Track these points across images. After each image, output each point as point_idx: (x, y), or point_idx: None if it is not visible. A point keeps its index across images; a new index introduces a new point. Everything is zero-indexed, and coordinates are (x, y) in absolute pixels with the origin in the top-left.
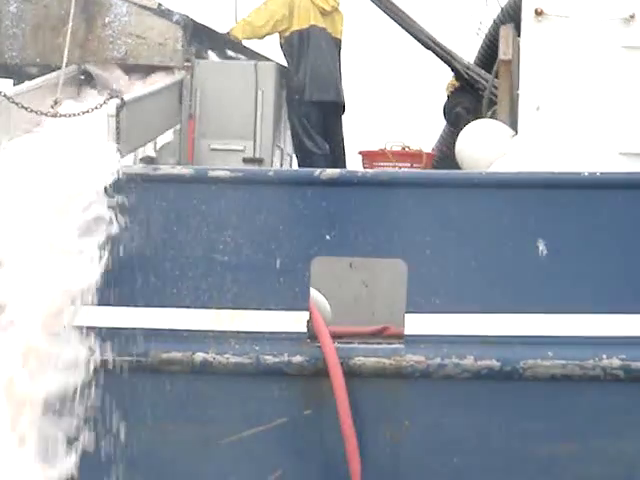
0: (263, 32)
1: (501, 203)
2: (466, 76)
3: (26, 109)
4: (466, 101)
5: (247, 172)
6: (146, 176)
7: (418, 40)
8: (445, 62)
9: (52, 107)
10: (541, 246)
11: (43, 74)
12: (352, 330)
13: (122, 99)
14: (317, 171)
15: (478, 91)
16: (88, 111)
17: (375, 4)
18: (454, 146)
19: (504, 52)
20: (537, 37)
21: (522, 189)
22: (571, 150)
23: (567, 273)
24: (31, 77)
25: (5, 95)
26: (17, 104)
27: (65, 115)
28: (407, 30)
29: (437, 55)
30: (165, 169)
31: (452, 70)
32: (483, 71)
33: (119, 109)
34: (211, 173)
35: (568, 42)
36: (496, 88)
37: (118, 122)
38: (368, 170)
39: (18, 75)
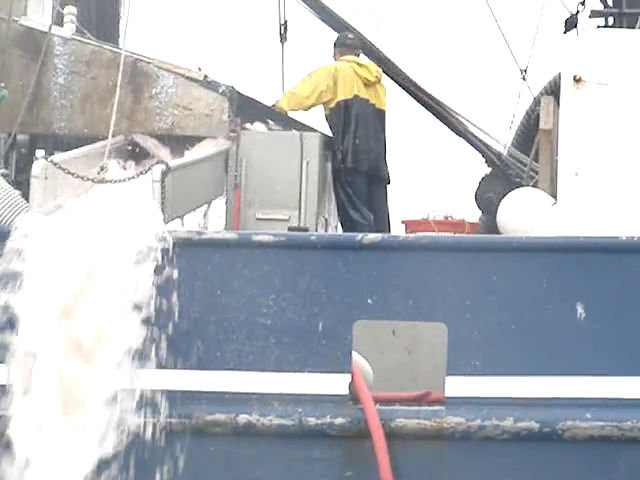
0: (308, 103)
1: (540, 267)
2: (498, 162)
3: (72, 174)
4: (498, 187)
5: (290, 236)
6: (191, 240)
7: (451, 128)
8: (477, 150)
9: (99, 173)
10: (580, 309)
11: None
12: (394, 396)
13: (167, 165)
14: (359, 235)
15: (510, 177)
16: (134, 177)
17: (408, 93)
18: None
19: (545, 121)
20: (576, 104)
21: (561, 253)
22: (609, 215)
23: (605, 336)
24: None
25: (52, 161)
26: (64, 170)
27: (111, 181)
28: (440, 118)
29: (469, 143)
30: (210, 234)
31: (484, 157)
32: (516, 155)
33: (164, 175)
34: (255, 237)
35: (606, 109)
36: (537, 160)
37: (163, 187)
38: (409, 235)
39: (66, 146)
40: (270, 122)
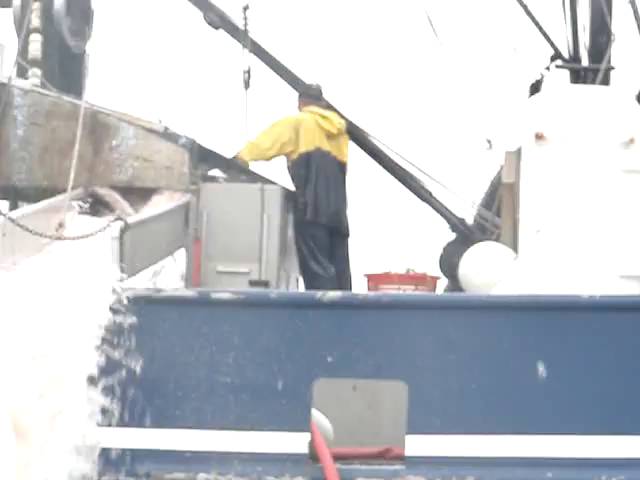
0: (270, 154)
1: (501, 325)
2: (462, 228)
3: (30, 231)
4: (462, 252)
5: (249, 294)
6: (149, 298)
7: (415, 193)
8: (441, 215)
9: (57, 230)
10: (541, 368)
11: (50, 197)
12: (355, 452)
13: (126, 222)
14: (319, 293)
15: (474, 242)
16: (92, 234)
17: (372, 158)
18: None
19: (507, 175)
20: (537, 160)
21: (522, 311)
22: (571, 272)
23: (567, 394)
24: (38, 200)
25: (9, 217)
26: (21, 227)
27: (69, 238)
28: (404, 183)
29: (433, 208)
30: (168, 291)
31: (447, 222)
32: (482, 217)
33: (122, 232)
34: (214, 295)
35: (568, 165)
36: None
37: (122, 244)
38: (369, 293)
39: (25, 198)
40: (231, 174)
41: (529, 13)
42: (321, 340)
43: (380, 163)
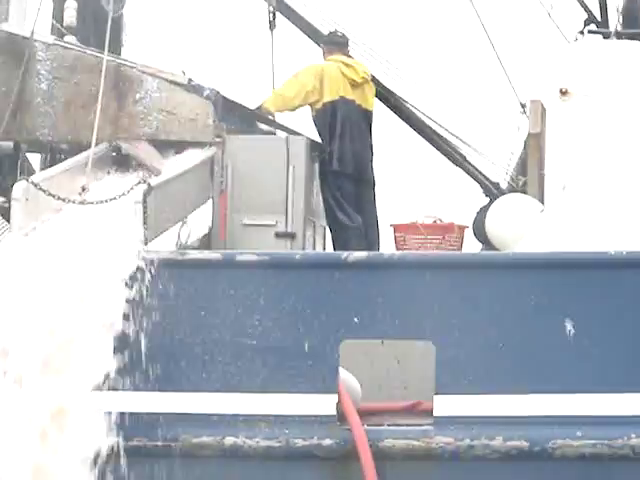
0: (294, 104)
1: (528, 283)
2: (496, 192)
3: (53, 196)
4: None
5: (274, 256)
6: (174, 261)
7: (449, 157)
8: (475, 180)
9: (80, 194)
10: (569, 325)
11: (74, 151)
12: (384, 406)
13: (149, 184)
14: (344, 254)
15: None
16: (115, 198)
17: (402, 120)
18: None
19: (533, 126)
20: (562, 117)
21: (548, 269)
22: (598, 229)
23: (595, 352)
24: (62, 153)
25: (33, 182)
26: (45, 191)
27: (92, 202)
28: (437, 147)
29: (467, 173)
30: (193, 254)
31: (481, 187)
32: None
33: (146, 195)
34: (239, 257)
35: (593, 121)
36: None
37: (145, 208)
38: (394, 253)
39: (49, 151)
40: (256, 125)
41: None
42: (347, 301)
43: (410, 125)
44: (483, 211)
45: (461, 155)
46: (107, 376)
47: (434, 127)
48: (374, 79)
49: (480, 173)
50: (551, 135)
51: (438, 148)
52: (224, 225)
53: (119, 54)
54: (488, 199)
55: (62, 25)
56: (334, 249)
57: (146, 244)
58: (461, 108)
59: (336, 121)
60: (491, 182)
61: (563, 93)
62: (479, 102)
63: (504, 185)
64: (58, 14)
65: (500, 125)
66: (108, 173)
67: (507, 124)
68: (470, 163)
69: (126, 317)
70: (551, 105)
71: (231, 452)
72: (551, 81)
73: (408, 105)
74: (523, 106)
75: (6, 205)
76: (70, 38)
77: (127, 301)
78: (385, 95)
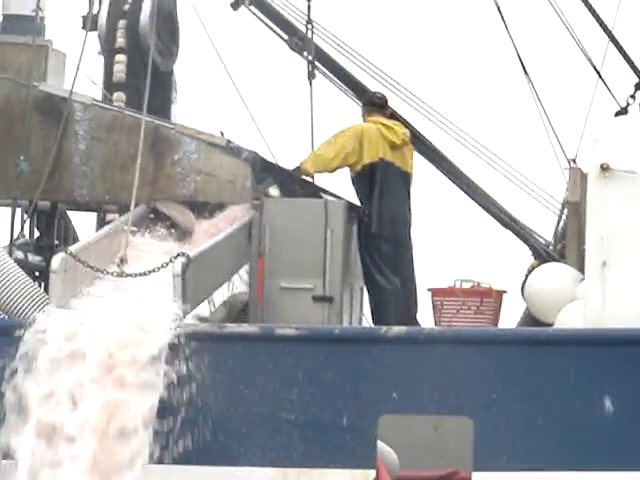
0: (333, 165)
1: (567, 359)
2: (544, 255)
3: (92, 268)
4: None
5: (313, 330)
6: (213, 334)
7: (496, 218)
8: (524, 241)
9: (118, 265)
10: (608, 403)
11: (112, 211)
12: (420, 475)
13: (188, 257)
14: (383, 329)
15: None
16: (154, 270)
17: (452, 181)
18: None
19: (572, 194)
20: (603, 192)
21: (588, 346)
22: (638, 306)
23: (634, 430)
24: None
25: (72, 254)
26: (83, 263)
27: (131, 275)
28: (485, 208)
29: (516, 234)
30: (231, 327)
31: (530, 249)
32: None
33: (185, 268)
34: (278, 331)
35: (634, 197)
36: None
37: (184, 280)
38: (434, 328)
39: (89, 211)
40: (294, 188)
41: (612, 37)
42: (386, 375)
43: (461, 187)
44: (532, 272)
45: (509, 216)
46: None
47: (481, 188)
48: (423, 139)
49: (529, 234)
50: (592, 210)
51: (487, 210)
52: (261, 288)
53: (169, 111)
54: (537, 261)
55: (112, 80)
56: (371, 311)
57: (185, 316)
58: (509, 164)
59: (375, 183)
60: (542, 244)
61: (604, 169)
62: (526, 158)
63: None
64: (108, 67)
65: (548, 182)
66: (145, 235)
67: (555, 181)
68: (520, 224)
69: (165, 391)
70: (592, 180)
71: None
72: (593, 155)
73: (455, 165)
74: (571, 162)
75: (42, 264)
76: (119, 95)
77: (166, 374)
78: (435, 157)
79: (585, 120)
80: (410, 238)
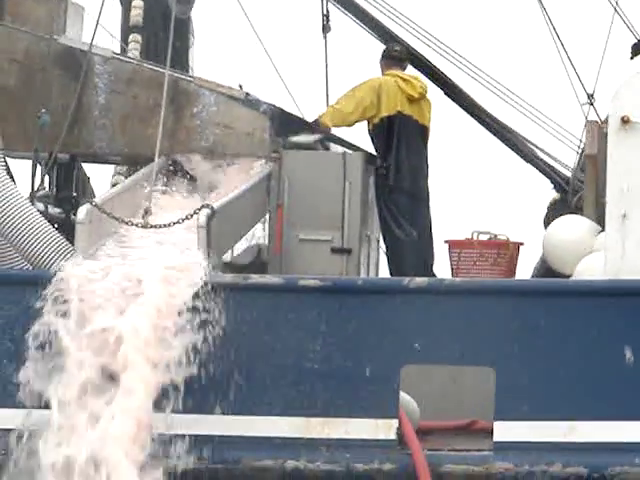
0: (352, 119)
1: (588, 311)
2: (566, 188)
3: (117, 219)
4: (567, 213)
5: (336, 281)
6: (237, 285)
7: (518, 153)
8: (545, 175)
9: (143, 216)
10: (628, 353)
11: (131, 163)
12: (440, 425)
13: (212, 209)
14: (405, 280)
15: (576, 203)
16: (178, 222)
17: (471, 116)
18: None
19: (589, 147)
20: (624, 145)
21: (609, 297)
22: None
23: None
24: (124, 163)
25: (96, 205)
26: (108, 214)
27: (155, 226)
28: (506, 143)
29: (537, 168)
30: (255, 278)
31: (552, 183)
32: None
33: (209, 219)
34: (301, 282)
35: None
36: (581, 182)
37: (209, 232)
38: (455, 279)
39: (106, 164)
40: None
41: None
42: (408, 326)
43: (477, 119)
44: (553, 205)
45: (530, 150)
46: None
47: (501, 120)
48: (442, 74)
49: (550, 168)
50: (612, 162)
51: (506, 143)
52: (280, 240)
53: (186, 56)
54: (558, 195)
55: (129, 25)
56: (388, 263)
57: (208, 267)
58: (526, 99)
59: (393, 136)
60: (562, 177)
61: (625, 121)
62: (545, 94)
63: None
64: (125, 13)
65: (568, 118)
66: (165, 187)
67: (573, 115)
68: (540, 159)
69: (187, 339)
70: (613, 132)
71: (292, 476)
72: (613, 108)
73: (473, 99)
74: (590, 96)
75: (62, 216)
76: (135, 36)
77: (190, 324)
78: (452, 90)
79: (603, 53)
80: (428, 190)
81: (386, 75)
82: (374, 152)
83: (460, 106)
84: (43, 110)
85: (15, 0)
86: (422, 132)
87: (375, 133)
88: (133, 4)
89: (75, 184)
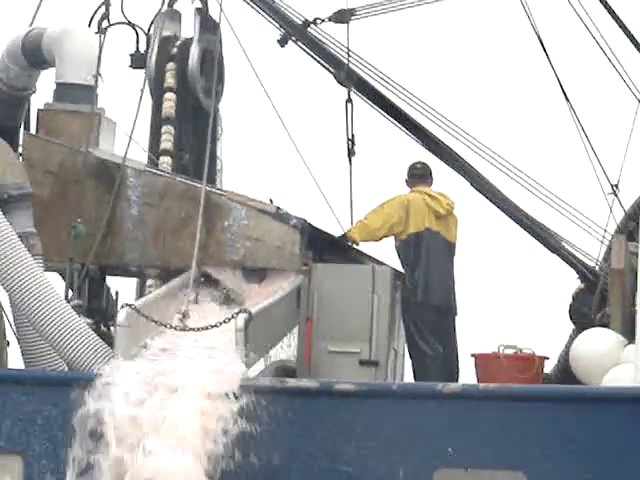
0: (380, 234)
1: (620, 417)
2: (592, 277)
3: (156, 322)
4: (592, 301)
5: (372, 386)
6: (273, 389)
7: (544, 244)
8: (571, 265)
9: (180, 320)
10: None
11: (162, 276)
12: None
13: (250, 313)
14: (439, 385)
15: (604, 292)
16: (216, 325)
17: (502, 210)
18: None
19: (616, 261)
20: None
21: (638, 403)
22: None
23: None
24: (153, 277)
25: (136, 308)
26: (147, 318)
27: (194, 329)
28: (533, 234)
29: (563, 258)
30: (292, 382)
31: (577, 272)
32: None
33: (247, 323)
34: (337, 386)
35: None
36: (606, 290)
37: (246, 335)
38: (489, 384)
39: (138, 276)
40: (341, 254)
41: None
42: (442, 430)
43: (507, 213)
44: (579, 295)
45: (556, 240)
46: None
47: (527, 213)
48: (468, 165)
49: (575, 258)
50: None
51: (533, 234)
52: (309, 351)
53: (214, 148)
54: (583, 284)
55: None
56: (414, 377)
57: (247, 371)
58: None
59: (421, 252)
60: (587, 267)
61: None
62: (568, 184)
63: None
64: (156, 106)
65: (592, 208)
66: (197, 296)
67: (597, 206)
68: (565, 249)
69: (223, 442)
70: None
71: None
72: None
73: (500, 191)
74: (614, 187)
75: (93, 327)
76: (168, 128)
77: (226, 426)
78: (480, 182)
79: (627, 145)
80: (454, 305)
81: (413, 192)
82: (400, 267)
83: (488, 199)
84: (78, 220)
85: (49, 114)
86: (449, 248)
87: (402, 248)
88: (165, 97)
89: (106, 296)
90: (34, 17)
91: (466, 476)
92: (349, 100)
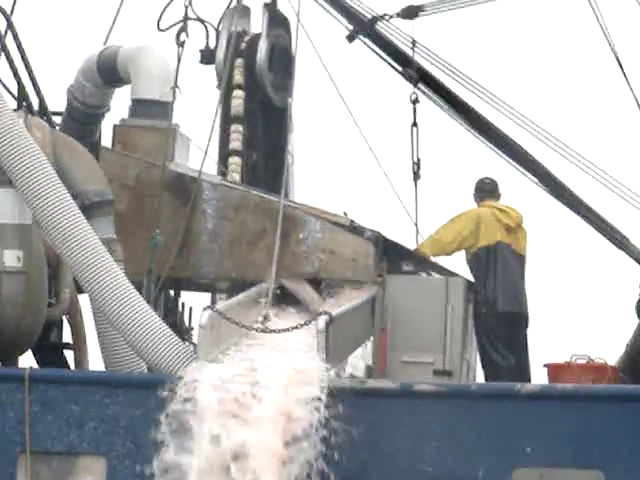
0: (451, 249)
1: None
2: None
3: (237, 324)
4: None
5: (451, 387)
6: (354, 389)
7: (611, 240)
8: (636, 260)
9: (262, 322)
10: None
11: (234, 291)
12: None
13: (330, 315)
14: (518, 385)
15: None
16: (297, 327)
17: (569, 208)
18: None
19: None
20: None
21: None
22: None
23: None
24: (225, 291)
25: (217, 311)
26: (230, 320)
27: (275, 331)
28: (600, 231)
29: (629, 254)
30: (371, 383)
31: None
32: None
33: (328, 325)
34: (416, 387)
35: None
36: None
37: (327, 337)
38: (566, 385)
39: (211, 290)
40: (415, 266)
41: None
42: (520, 430)
43: (574, 209)
44: None
45: (622, 237)
46: None
47: (595, 210)
48: (536, 162)
49: None
50: None
51: (600, 231)
52: (383, 362)
53: (285, 144)
54: None
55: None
56: None
57: (327, 372)
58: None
59: (492, 264)
60: None
61: None
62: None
63: None
64: (225, 104)
65: None
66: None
67: None
68: (632, 244)
69: (304, 442)
70: None
71: None
72: None
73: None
74: None
75: None
76: (236, 127)
77: (309, 425)
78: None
79: None
80: (526, 316)
81: (482, 207)
82: (472, 279)
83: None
84: (157, 231)
85: (125, 129)
86: (520, 261)
87: (473, 262)
88: (234, 94)
89: (181, 311)
90: (107, 36)
91: (544, 476)
92: (414, 124)
